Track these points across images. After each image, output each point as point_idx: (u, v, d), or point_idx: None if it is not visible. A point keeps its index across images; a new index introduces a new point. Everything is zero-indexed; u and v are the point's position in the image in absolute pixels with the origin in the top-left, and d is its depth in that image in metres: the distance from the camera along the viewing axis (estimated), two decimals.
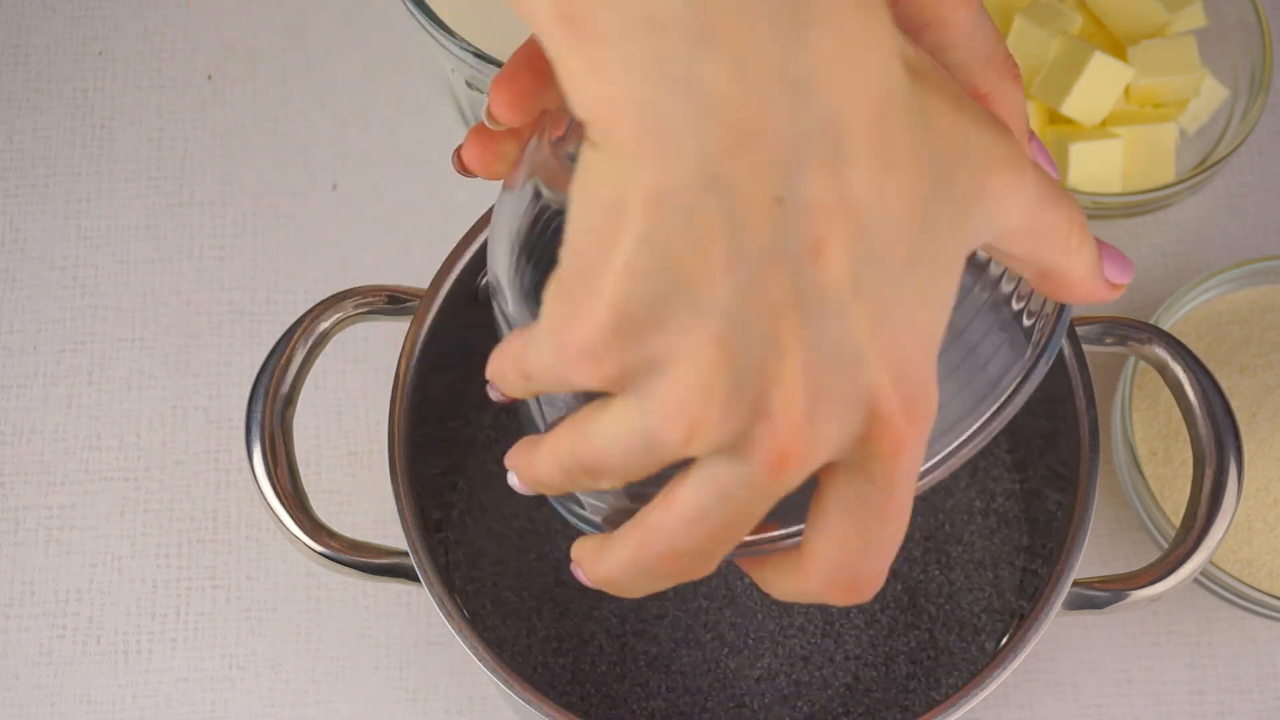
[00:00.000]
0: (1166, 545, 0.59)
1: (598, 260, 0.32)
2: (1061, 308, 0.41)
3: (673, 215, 0.31)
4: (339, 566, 0.54)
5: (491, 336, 0.42)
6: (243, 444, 0.67)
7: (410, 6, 0.63)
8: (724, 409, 0.33)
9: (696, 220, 0.31)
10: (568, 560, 0.64)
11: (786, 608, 0.63)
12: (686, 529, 0.35)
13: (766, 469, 0.33)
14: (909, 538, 0.63)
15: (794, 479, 0.34)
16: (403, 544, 0.53)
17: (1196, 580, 0.64)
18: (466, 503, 0.64)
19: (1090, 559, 0.66)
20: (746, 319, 0.32)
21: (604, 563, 0.38)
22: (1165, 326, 0.66)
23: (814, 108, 0.31)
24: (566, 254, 0.33)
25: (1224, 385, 0.63)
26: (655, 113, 0.30)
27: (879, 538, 0.36)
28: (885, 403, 0.33)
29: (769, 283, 0.32)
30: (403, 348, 0.56)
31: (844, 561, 0.36)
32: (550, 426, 0.40)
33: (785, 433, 0.33)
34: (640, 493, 0.37)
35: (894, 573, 0.63)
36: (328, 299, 0.56)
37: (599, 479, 0.36)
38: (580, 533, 0.41)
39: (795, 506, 0.37)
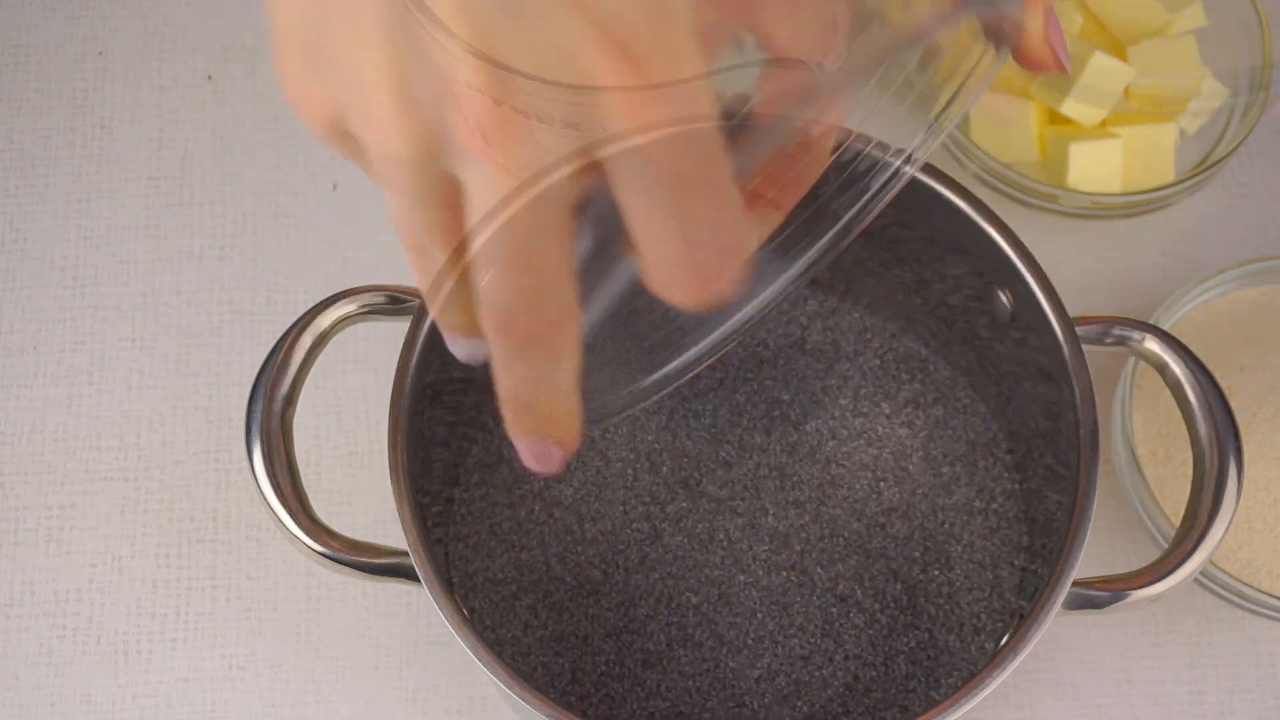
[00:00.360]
0: (1166, 545, 0.59)
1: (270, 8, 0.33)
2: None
3: None
4: (339, 566, 0.54)
5: None
6: (243, 444, 0.67)
7: (410, 6, 0.63)
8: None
9: None
10: (569, 558, 0.64)
11: (786, 607, 0.63)
12: (404, 233, 0.36)
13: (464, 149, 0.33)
14: (908, 537, 0.63)
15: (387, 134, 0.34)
16: (403, 544, 0.53)
17: (1196, 580, 0.64)
18: (466, 503, 0.64)
19: (1090, 559, 0.66)
20: None
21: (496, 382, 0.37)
22: (1165, 326, 0.66)
23: None
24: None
25: (1224, 385, 0.63)
26: None
27: (675, 210, 0.34)
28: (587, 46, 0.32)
29: None
30: (403, 348, 0.56)
31: (669, 252, 0.34)
32: None
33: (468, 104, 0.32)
34: None
35: (894, 572, 0.63)
36: (328, 299, 0.56)
37: (419, 249, 0.36)
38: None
39: None
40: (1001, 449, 0.65)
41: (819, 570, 0.63)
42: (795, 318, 0.66)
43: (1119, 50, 0.71)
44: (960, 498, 0.64)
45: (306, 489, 0.55)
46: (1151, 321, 0.65)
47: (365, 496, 0.68)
